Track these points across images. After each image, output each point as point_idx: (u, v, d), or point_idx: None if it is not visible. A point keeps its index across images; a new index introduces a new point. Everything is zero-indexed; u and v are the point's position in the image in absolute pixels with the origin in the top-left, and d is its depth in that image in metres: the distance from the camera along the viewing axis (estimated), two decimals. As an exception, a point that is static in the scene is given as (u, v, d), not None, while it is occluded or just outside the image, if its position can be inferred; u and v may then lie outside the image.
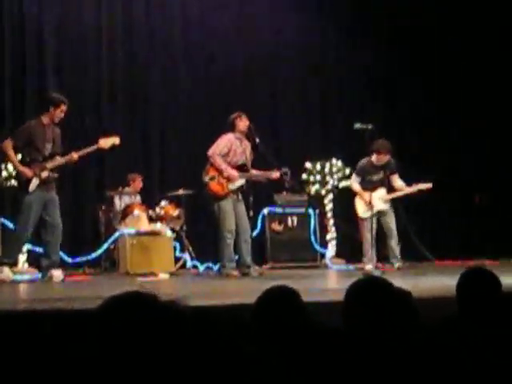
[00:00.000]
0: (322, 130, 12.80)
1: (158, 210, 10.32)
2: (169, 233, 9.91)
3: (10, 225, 9.16)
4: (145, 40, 11.78)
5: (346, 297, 2.57)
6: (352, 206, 9.89)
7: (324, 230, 11.41)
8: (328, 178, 11.54)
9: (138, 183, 10.69)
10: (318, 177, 11.54)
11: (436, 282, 7.36)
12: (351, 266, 10.51)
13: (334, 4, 12.88)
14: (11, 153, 8.23)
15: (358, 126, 9.03)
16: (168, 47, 11.93)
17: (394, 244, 9.70)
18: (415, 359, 2.38)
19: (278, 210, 11.11)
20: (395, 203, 10.03)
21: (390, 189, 9.78)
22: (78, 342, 1.69)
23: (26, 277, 8.73)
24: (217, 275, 9.19)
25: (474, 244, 12.27)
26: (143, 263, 9.34)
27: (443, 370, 2.39)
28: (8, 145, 8.18)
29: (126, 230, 9.70)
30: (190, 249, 10.39)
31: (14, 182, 9.38)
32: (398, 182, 9.75)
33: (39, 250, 8.86)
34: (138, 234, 9.65)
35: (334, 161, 11.60)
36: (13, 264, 8.51)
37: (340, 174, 11.51)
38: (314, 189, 11.54)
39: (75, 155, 8.33)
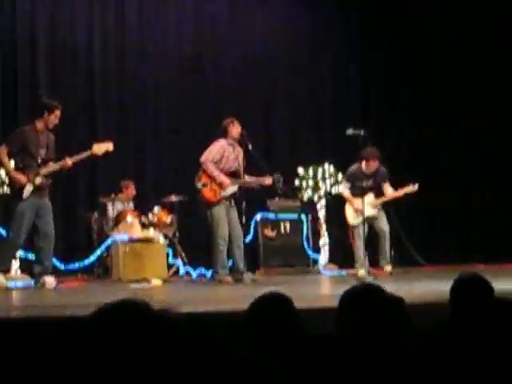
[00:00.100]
0: (314, 136, 12.81)
1: (150, 216, 10.31)
2: (162, 239, 9.90)
3: (3, 232, 9.13)
4: (137, 47, 11.79)
5: (340, 303, 2.58)
6: (344, 211, 9.91)
7: (317, 235, 11.41)
8: (320, 183, 11.55)
9: (131, 190, 10.68)
10: (311, 182, 11.55)
11: (428, 287, 7.37)
12: (344, 272, 10.52)
13: (326, 5, 12.89)
14: (5, 159, 8.20)
15: (350, 131, 9.06)
16: (160, 54, 11.93)
17: (387, 246, 9.68)
18: (408, 365, 2.38)
19: (271, 215, 11.11)
20: (387, 208, 10.05)
21: (379, 194, 9.80)
22: (71, 350, 1.70)
23: (19, 283, 8.71)
24: (210, 281, 9.19)
25: (469, 247, 12.31)
26: (136, 270, 9.33)
27: (436, 376, 2.40)
28: (1, 151, 8.16)
29: (119, 236, 9.69)
30: (183, 255, 10.38)
31: (6, 189, 9.36)
32: (389, 190, 9.74)
33: (31, 256, 8.84)
34: (131, 240, 9.64)
35: (326, 166, 11.62)
36: (6, 271, 8.49)
37: (332, 180, 11.52)
38: (306, 195, 11.55)
39: (69, 161, 8.30)
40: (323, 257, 11.31)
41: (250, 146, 8.99)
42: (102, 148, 8.48)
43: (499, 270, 9.65)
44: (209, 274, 9.68)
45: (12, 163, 8.26)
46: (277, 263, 10.91)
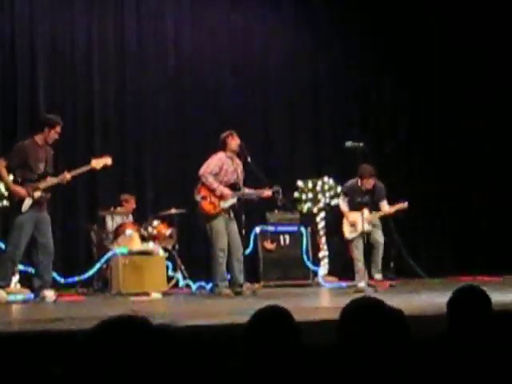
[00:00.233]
0: (313, 148, 12.83)
1: (150, 229, 10.32)
2: (161, 252, 9.90)
3: (2, 245, 9.13)
4: (136, 61, 11.81)
5: (342, 316, 2.59)
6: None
7: (316, 248, 11.41)
8: (320, 196, 11.57)
9: (131, 204, 10.67)
10: (310, 195, 11.57)
11: (427, 299, 7.38)
12: (344, 284, 10.51)
13: (324, 21, 12.92)
14: (4, 173, 8.22)
15: (349, 144, 9.07)
16: (159, 68, 11.97)
17: (379, 256, 9.63)
18: (407, 376, 2.40)
19: (271, 228, 11.12)
20: (387, 220, 10.06)
21: (376, 210, 9.75)
22: (72, 363, 1.70)
23: (19, 297, 8.69)
24: (209, 294, 9.19)
25: (471, 259, 12.31)
26: (136, 283, 9.32)
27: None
28: (1, 165, 8.18)
29: (119, 249, 9.68)
30: (183, 268, 10.37)
31: (5, 203, 9.36)
32: (385, 207, 9.67)
33: (31, 270, 8.83)
34: (131, 253, 9.64)
35: (325, 179, 11.64)
36: (6, 286, 8.47)
37: (332, 192, 11.54)
38: (305, 207, 11.57)
39: (68, 175, 8.34)
40: (323, 269, 11.31)
41: (248, 159, 9.01)
42: (100, 163, 8.53)
43: (500, 283, 9.66)
44: (208, 286, 9.68)
45: (11, 177, 8.28)
46: (276, 276, 10.91)
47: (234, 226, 9.01)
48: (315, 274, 11.17)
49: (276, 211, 11.11)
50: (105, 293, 9.56)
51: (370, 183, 9.47)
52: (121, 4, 11.82)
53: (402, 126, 13.01)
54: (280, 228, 11.16)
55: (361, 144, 9.00)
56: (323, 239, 11.52)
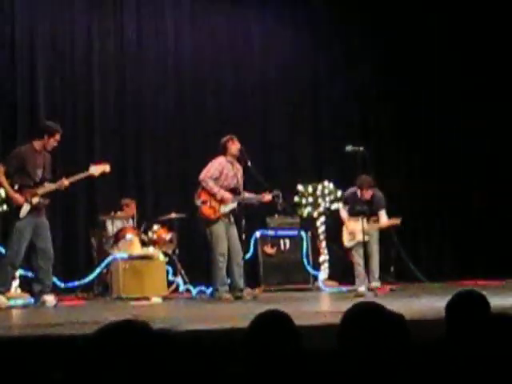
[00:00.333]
0: (313, 153, 12.82)
1: (150, 233, 10.32)
2: (161, 257, 9.90)
3: (2, 250, 9.12)
4: (136, 61, 11.80)
5: (343, 320, 2.60)
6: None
7: (316, 252, 11.40)
8: (320, 200, 11.56)
9: (131, 208, 10.65)
10: (310, 199, 11.57)
11: (427, 303, 7.38)
12: (344, 289, 10.50)
13: (324, 21, 12.92)
14: (3, 179, 8.22)
15: (349, 148, 9.08)
16: (160, 72, 11.97)
17: (376, 266, 9.61)
18: (407, 380, 2.40)
19: (271, 232, 11.11)
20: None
21: (375, 219, 9.73)
22: (72, 368, 1.71)
23: (19, 302, 8.69)
24: (210, 299, 9.19)
25: (471, 263, 12.30)
26: (136, 287, 9.32)
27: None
28: (-1, 170, 8.19)
29: (119, 254, 9.68)
30: (183, 272, 10.37)
31: (4, 208, 9.36)
32: (383, 218, 9.62)
33: (31, 274, 8.82)
34: (131, 258, 9.64)
35: (325, 183, 11.64)
36: (6, 291, 8.46)
37: (332, 197, 11.54)
38: (306, 211, 11.56)
39: (66, 181, 8.36)
40: (323, 273, 11.30)
41: (249, 163, 9.02)
42: (98, 169, 8.56)
43: (501, 286, 9.66)
44: (209, 291, 9.67)
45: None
46: (277, 280, 10.90)
47: (234, 231, 9.01)
48: (315, 278, 11.16)
49: (276, 216, 11.10)
50: (105, 297, 9.56)
51: (368, 194, 9.45)
52: (121, 4, 11.81)
53: (402, 127, 13.00)
54: (280, 232, 11.16)
55: (361, 148, 9.00)
56: (323, 244, 11.51)
